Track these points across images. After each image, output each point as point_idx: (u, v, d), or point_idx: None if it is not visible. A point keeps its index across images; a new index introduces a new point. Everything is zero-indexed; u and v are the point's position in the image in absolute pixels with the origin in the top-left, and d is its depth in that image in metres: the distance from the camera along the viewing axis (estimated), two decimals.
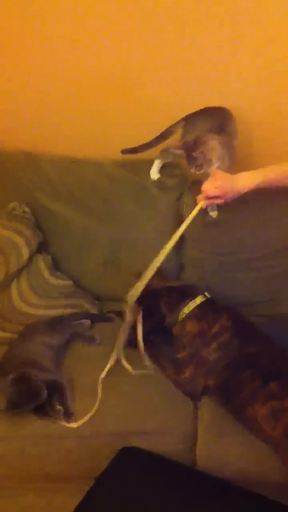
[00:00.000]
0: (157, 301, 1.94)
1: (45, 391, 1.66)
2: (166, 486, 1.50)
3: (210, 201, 1.80)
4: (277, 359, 1.73)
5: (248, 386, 1.65)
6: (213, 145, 1.88)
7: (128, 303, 1.81)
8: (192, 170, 1.90)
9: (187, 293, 1.93)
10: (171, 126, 2.02)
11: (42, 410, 1.69)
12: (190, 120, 2.00)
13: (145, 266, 1.94)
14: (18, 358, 1.84)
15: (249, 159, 2.10)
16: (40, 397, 1.66)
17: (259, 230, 2.05)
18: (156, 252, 2.08)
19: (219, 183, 1.75)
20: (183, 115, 2.02)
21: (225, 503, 1.45)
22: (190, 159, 1.87)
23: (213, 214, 1.98)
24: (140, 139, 2.06)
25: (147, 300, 1.92)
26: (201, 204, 1.80)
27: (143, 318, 1.86)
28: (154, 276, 1.88)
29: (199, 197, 1.79)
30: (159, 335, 2.02)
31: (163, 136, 2.05)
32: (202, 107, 2.01)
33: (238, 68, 2.06)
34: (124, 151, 2.07)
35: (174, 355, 1.86)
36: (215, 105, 2.02)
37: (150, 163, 2.13)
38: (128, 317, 1.82)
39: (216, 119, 1.98)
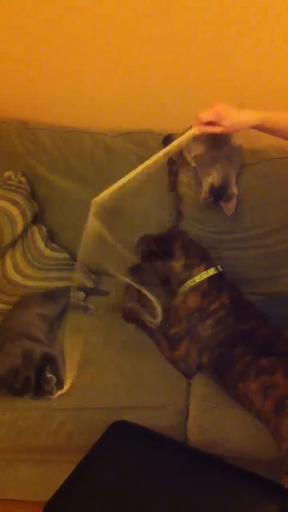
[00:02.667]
0: (173, 239, 1.92)
1: (31, 393, 1.68)
2: (156, 460, 1.50)
3: (206, 129, 1.65)
4: (270, 336, 1.73)
5: (240, 362, 1.65)
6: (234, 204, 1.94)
7: (94, 204, 1.76)
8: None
9: (206, 257, 1.91)
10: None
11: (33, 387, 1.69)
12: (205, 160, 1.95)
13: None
14: (13, 329, 1.83)
15: None
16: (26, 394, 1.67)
17: (258, 210, 2.03)
18: (153, 224, 2.08)
19: (216, 109, 1.62)
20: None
21: (216, 479, 1.45)
22: (213, 203, 1.92)
23: None
24: (137, 110, 2.03)
25: (161, 240, 1.93)
26: (194, 130, 1.66)
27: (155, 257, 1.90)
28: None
29: (194, 122, 1.67)
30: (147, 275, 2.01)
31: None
32: None
33: None
34: None
35: (168, 329, 1.86)
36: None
37: (149, 134, 2.12)
38: (91, 220, 1.77)
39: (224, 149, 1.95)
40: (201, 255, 1.90)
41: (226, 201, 1.93)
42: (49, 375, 1.68)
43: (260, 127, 1.70)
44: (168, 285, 1.93)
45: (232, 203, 1.94)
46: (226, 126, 1.65)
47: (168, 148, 1.71)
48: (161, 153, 1.71)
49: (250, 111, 1.66)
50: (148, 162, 1.70)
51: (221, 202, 1.93)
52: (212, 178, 1.90)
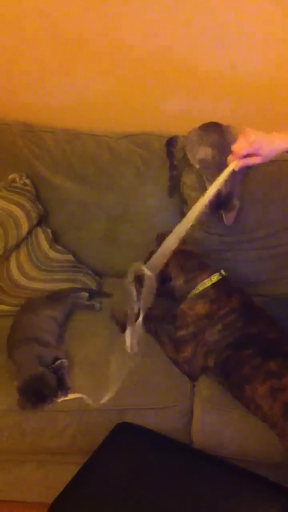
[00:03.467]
0: (167, 265, 1.83)
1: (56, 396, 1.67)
2: (160, 462, 1.50)
3: (245, 162, 1.59)
4: (278, 339, 1.72)
5: (247, 365, 1.64)
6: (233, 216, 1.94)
7: (145, 272, 1.60)
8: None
9: (205, 265, 1.89)
10: None
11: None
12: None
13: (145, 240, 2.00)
14: (24, 332, 1.85)
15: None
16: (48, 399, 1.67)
17: (262, 211, 2.03)
18: (156, 226, 2.09)
19: (252, 139, 1.54)
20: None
21: (220, 481, 1.45)
22: (214, 209, 1.90)
23: None
24: (141, 112, 2.03)
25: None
26: (233, 164, 1.58)
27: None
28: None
29: (230, 157, 1.59)
30: (159, 310, 2.01)
31: None
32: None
33: None
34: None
35: (175, 332, 1.85)
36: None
37: (153, 135, 2.12)
38: (146, 287, 1.61)
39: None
40: (198, 265, 1.88)
41: (227, 211, 1.93)
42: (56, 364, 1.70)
43: None
44: (173, 298, 1.91)
45: (232, 214, 1.94)
46: (264, 156, 1.59)
47: (211, 190, 1.63)
48: (206, 196, 1.64)
49: (279, 135, 1.60)
50: (196, 209, 1.63)
51: (222, 211, 1.93)
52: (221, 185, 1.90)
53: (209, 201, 1.85)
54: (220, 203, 1.90)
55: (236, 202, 1.93)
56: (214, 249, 2.09)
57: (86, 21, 2.06)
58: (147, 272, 1.58)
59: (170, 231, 1.97)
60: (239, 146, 1.55)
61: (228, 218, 1.95)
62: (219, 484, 1.44)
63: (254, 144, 1.54)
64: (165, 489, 1.42)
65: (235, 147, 1.56)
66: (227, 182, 1.85)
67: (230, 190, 1.90)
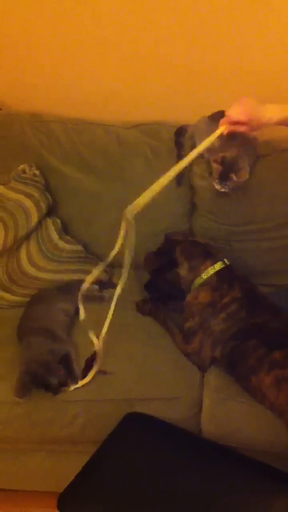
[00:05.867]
0: (173, 247, 1.92)
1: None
2: (169, 451, 1.51)
3: (234, 127, 1.64)
4: (283, 329, 1.72)
5: (253, 355, 1.65)
6: (246, 174, 1.90)
7: (127, 217, 1.60)
8: (217, 186, 1.92)
9: (209, 253, 1.90)
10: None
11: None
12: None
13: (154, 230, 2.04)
14: (37, 322, 1.86)
15: None
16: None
17: (272, 202, 2.01)
18: (165, 216, 2.09)
19: (246, 108, 1.61)
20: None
21: (230, 471, 1.45)
22: (224, 176, 1.89)
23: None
24: (150, 101, 2.04)
25: (163, 243, 1.95)
26: (222, 128, 1.64)
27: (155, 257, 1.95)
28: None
29: (222, 120, 1.64)
30: (170, 301, 2.01)
31: None
32: None
33: None
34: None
35: (183, 323, 1.86)
36: None
37: (162, 125, 2.12)
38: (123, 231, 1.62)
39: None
40: (202, 253, 1.90)
41: (237, 172, 1.90)
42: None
43: (284, 123, 1.67)
44: (181, 291, 1.93)
45: (244, 172, 1.91)
46: (253, 126, 1.64)
47: (197, 149, 1.64)
48: (193, 154, 1.63)
49: (275, 106, 1.63)
50: (178, 166, 1.61)
51: (232, 174, 1.90)
52: (225, 153, 1.90)
53: (216, 171, 1.90)
54: (227, 167, 1.90)
55: (245, 165, 1.91)
56: (223, 239, 2.08)
57: (97, 12, 2.05)
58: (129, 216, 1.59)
59: (178, 232, 2.05)
60: (233, 112, 1.61)
61: (240, 175, 1.91)
62: (229, 474, 1.44)
63: (245, 114, 1.60)
64: (174, 479, 1.43)
65: (229, 112, 1.62)
66: (232, 151, 1.88)
67: (236, 156, 1.89)
